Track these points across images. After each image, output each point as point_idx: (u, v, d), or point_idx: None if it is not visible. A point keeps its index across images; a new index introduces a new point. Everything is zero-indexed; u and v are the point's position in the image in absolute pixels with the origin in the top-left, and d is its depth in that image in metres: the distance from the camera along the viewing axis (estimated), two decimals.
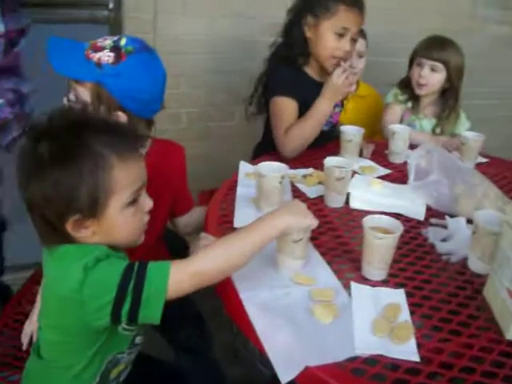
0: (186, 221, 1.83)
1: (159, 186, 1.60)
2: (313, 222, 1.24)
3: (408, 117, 2.53)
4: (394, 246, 1.29)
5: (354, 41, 2.05)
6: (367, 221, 1.32)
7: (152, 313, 1.04)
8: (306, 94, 2.04)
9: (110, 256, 1.07)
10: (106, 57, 1.42)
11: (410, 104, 2.51)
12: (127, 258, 1.15)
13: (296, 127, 1.98)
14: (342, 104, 2.27)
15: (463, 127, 2.48)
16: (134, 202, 1.13)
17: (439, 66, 2.40)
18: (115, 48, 1.44)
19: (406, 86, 2.51)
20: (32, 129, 1.09)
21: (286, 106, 2.03)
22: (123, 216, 1.11)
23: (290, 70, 2.09)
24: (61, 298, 1.07)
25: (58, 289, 1.08)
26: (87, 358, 1.14)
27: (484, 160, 2.29)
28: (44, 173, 1.03)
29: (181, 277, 1.06)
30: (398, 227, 1.31)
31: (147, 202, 1.18)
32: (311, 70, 2.14)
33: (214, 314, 2.70)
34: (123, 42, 1.45)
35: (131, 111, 1.45)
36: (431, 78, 2.42)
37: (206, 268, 1.09)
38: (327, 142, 2.22)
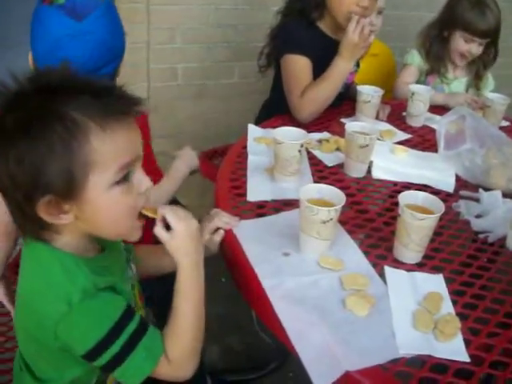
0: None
1: None
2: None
3: (432, 81, 2.37)
4: (434, 227, 1.15)
5: None
6: (404, 197, 1.17)
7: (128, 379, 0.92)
8: (319, 51, 1.85)
9: (98, 290, 0.90)
10: None
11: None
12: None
13: (313, 89, 1.81)
14: (357, 64, 2.09)
15: (489, 87, 2.33)
16: (123, 179, 0.90)
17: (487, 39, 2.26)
18: None
19: (435, 57, 2.34)
20: None
21: (300, 66, 1.85)
22: (108, 197, 0.89)
23: (302, 24, 1.89)
24: (39, 314, 0.91)
25: (37, 304, 0.92)
26: (77, 369, 0.98)
27: (506, 124, 2.14)
28: (7, 147, 0.84)
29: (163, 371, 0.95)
30: (438, 206, 1.16)
31: (143, 181, 0.94)
32: (325, 26, 1.94)
33: (208, 284, 2.62)
34: None
35: None
36: (478, 51, 2.28)
37: (185, 355, 0.97)
38: (341, 103, 2.05)
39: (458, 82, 2.37)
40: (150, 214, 0.96)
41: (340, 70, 1.81)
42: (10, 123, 0.84)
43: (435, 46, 2.34)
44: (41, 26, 1.32)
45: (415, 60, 2.37)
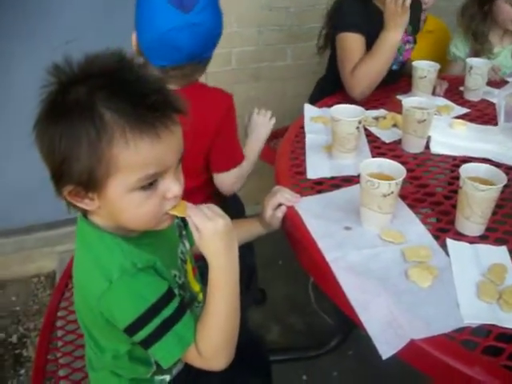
0: (231, 177, 1.59)
1: (189, 134, 1.49)
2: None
3: None
4: (496, 198, 1.14)
5: None
6: (465, 170, 1.16)
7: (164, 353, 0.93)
8: (375, 27, 1.84)
9: (139, 269, 0.91)
10: None
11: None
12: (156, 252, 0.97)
13: (363, 65, 1.80)
14: (414, 40, 2.06)
15: None
16: (148, 185, 0.88)
17: None
18: None
19: (482, 36, 2.28)
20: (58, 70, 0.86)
21: (352, 43, 1.85)
22: (129, 200, 0.88)
23: (357, 1, 1.89)
24: (85, 289, 0.96)
25: (83, 280, 0.97)
26: (127, 342, 0.99)
27: None
28: (44, 125, 0.86)
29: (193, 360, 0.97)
30: (500, 177, 1.15)
31: (171, 188, 0.90)
32: (379, 2, 1.93)
33: (268, 265, 2.67)
34: None
35: None
36: None
37: (215, 351, 0.96)
38: (396, 81, 2.03)
39: (506, 51, 2.30)
40: (177, 214, 0.93)
41: (387, 41, 1.79)
42: (52, 107, 0.85)
43: (479, 25, 2.28)
44: (149, 16, 1.38)
45: (460, 50, 2.33)
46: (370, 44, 1.84)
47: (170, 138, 0.87)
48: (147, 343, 0.91)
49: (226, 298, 0.95)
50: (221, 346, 0.95)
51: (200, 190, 1.61)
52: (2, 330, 2.31)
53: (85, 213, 0.96)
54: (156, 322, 0.89)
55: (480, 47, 2.28)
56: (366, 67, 1.80)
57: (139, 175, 0.85)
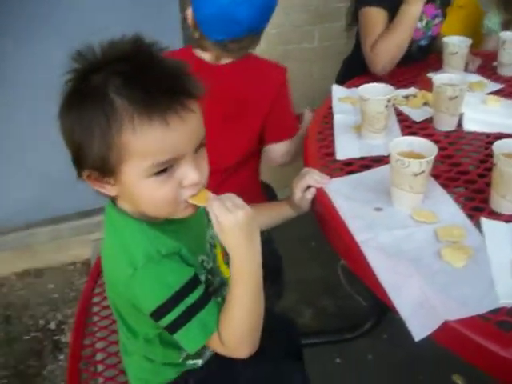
0: (282, 150, 1.63)
1: (241, 107, 1.50)
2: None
3: None
4: None
5: None
6: (499, 146, 1.13)
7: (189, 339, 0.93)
8: (399, 2, 1.79)
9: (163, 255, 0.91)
10: None
11: None
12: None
13: (383, 39, 1.76)
14: (443, 14, 2.00)
15: None
16: (162, 171, 0.86)
17: None
18: None
19: None
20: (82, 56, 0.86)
21: (373, 17, 1.81)
22: (144, 186, 0.87)
23: None
24: (112, 275, 0.97)
25: (110, 265, 0.98)
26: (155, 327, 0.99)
27: None
28: (63, 112, 0.87)
29: (216, 348, 0.97)
30: None
31: (188, 176, 0.88)
32: None
33: (301, 247, 2.66)
34: None
35: None
36: None
37: (237, 341, 0.95)
38: (425, 57, 1.99)
39: None
40: (197, 203, 0.91)
41: (407, 14, 1.75)
42: (71, 87, 0.86)
43: None
44: None
45: (493, 22, 2.27)
46: (393, 19, 1.80)
47: (181, 124, 0.85)
48: (171, 329, 0.92)
49: (248, 289, 0.93)
50: (243, 336, 0.94)
51: (246, 165, 1.66)
52: (41, 317, 2.37)
53: (113, 199, 0.96)
54: (180, 308, 0.89)
55: (511, 17, 2.21)
56: (386, 42, 1.77)
57: (151, 162, 0.85)
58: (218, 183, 1.57)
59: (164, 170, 0.86)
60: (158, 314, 0.90)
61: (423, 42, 1.91)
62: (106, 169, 0.86)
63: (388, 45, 1.77)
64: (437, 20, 1.96)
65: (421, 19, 1.86)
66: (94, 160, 0.85)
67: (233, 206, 0.90)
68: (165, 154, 0.85)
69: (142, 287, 0.90)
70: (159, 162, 0.85)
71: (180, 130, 0.85)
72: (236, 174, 1.63)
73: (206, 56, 1.53)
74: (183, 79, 0.86)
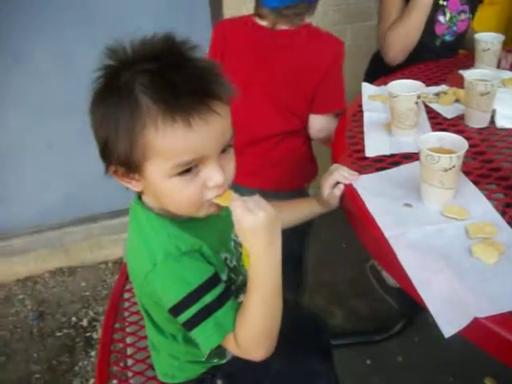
0: (323, 123, 1.66)
1: (298, 73, 1.55)
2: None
3: None
4: None
5: None
6: None
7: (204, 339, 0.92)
8: None
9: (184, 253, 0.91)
10: None
11: None
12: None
13: (394, 27, 1.78)
14: (471, 11, 1.97)
15: None
16: (186, 172, 0.86)
17: None
18: None
19: None
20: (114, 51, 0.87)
21: (388, 4, 1.83)
22: (168, 185, 0.87)
23: None
24: (134, 270, 0.98)
25: (133, 261, 0.99)
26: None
27: None
28: (93, 107, 0.88)
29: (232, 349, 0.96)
30: None
31: (213, 177, 0.88)
32: None
33: (331, 248, 2.65)
34: None
35: None
36: None
37: (253, 342, 0.94)
38: (452, 54, 1.96)
39: None
40: (221, 203, 0.91)
41: (418, 2, 1.76)
42: (101, 91, 0.87)
43: None
44: None
45: None
46: None
47: (205, 126, 0.84)
48: (188, 326, 0.92)
49: (266, 290, 0.92)
50: (259, 338, 0.93)
51: (298, 133, 1.69)
52: (74, 314, 2.41)
53: (139, 194, 0.98)
54: (197, 306, 0.89)
55: None
56: (396, 29, 1.78)
57: (174, 162, 0.85)
58: (270, 147, 1.65)
59: (188, 169, 0.86)
60: (175, 310, 0.91)
61: (448, 38, 1.89)
62: (130, 165, 0.87)
63: (398, 32, 1.79)
64: (463, 16, 1.93)
65: (444, 13, 1.85)
66: (119, 156, 0.87)
67: (255, 207, 0.89)
68: (187, 155, 0.85)
69: (160, 283, 0.90)
70: (182, 163, 0.85)
71: (203, 132, 0.84)
72: (291, 137, 1.67)
73: (264, 23, 1.57)
74: (211, 80, 0.85)
